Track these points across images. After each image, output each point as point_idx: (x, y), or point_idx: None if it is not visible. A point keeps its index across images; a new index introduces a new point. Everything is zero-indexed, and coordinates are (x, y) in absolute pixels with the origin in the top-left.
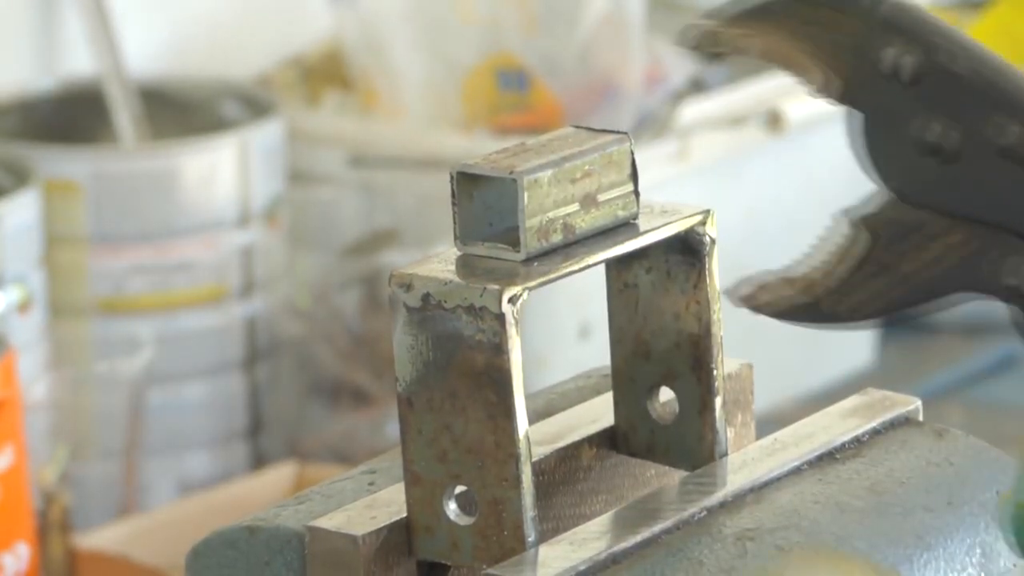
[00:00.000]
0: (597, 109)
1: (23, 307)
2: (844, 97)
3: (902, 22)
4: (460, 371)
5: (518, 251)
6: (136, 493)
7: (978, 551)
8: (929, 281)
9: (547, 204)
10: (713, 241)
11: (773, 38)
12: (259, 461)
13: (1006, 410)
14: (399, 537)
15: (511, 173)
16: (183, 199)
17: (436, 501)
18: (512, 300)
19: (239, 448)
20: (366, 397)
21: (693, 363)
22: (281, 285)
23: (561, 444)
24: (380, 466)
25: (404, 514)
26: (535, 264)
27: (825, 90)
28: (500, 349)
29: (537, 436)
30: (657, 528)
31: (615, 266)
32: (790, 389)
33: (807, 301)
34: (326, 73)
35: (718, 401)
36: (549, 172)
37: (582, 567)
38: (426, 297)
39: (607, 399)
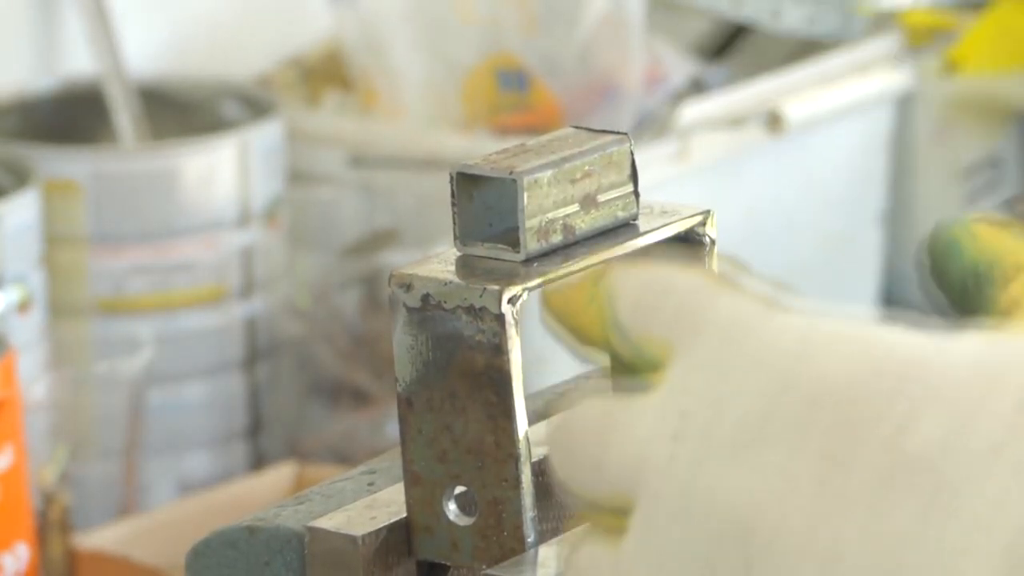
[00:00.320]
0: (597, 109)
1: (23, 307)
2: None
3: None
4: (460, 371)
5: (518, 252)
6: (136, 493)
7: None
8: None
9: (547, 204)
10: (713, 241)
11: None
12: (259, 461)
13: None
14: (399, 537)
15: (511, 173)
16: (183, 199)
17: (436, 501)
18: (512, 300)
19: (239, 448)
20: (366, 397)
21: None
22: (281, 285)
23: None
24: (380, 466)
25: (404, 514)
26: (535, 264)
27: None
28: (500, 349)
29: (537, 436)
30: None
31: None
32: None
33: None
34: (326, 73)
35: None
36: (549, 172)
37: None
38: (426, 297)
39: None
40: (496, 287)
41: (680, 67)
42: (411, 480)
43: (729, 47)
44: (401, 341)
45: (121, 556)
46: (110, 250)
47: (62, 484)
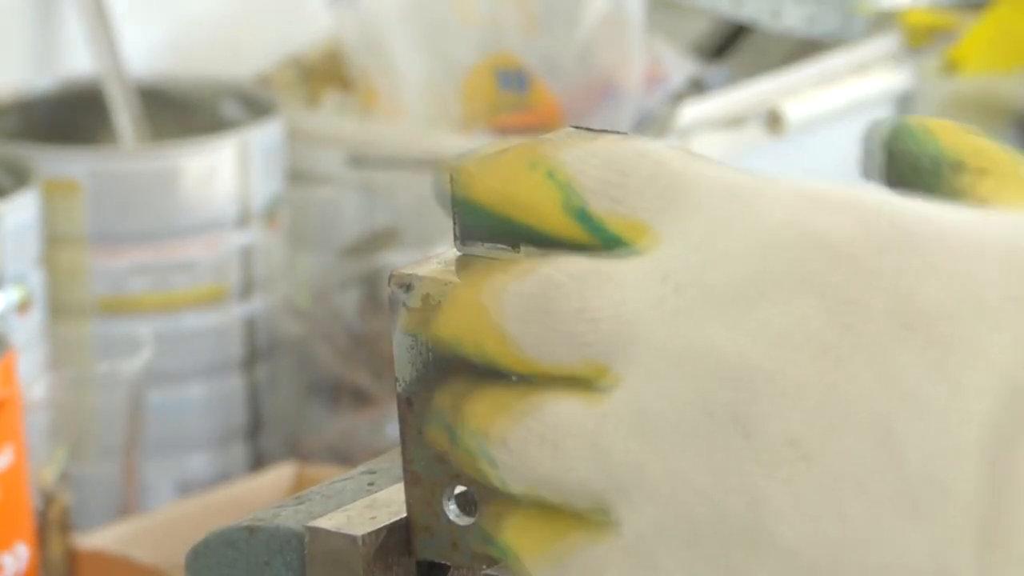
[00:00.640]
0: (597, 109)
1: (23, 307)
2: None
3: None
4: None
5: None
6: (136, 493)
7: None
8: None
9: None
10: None
11: None
12: (259, 461)
13: None
14: (399, 537)
15: None
16: (183, 199)
17: (436, 501)
18: None
19: (238, 448)
20: (366, 397)
21: None
22: (281, 285)
23: None
24: (380, 466)
25: (404, 514)
26: None
27: None
28: None
29: None
30: None
31: None
32: None
33: None
34: (326, 73)
35: None
36: None
37: None
38: (426, 298)
39: None
40: None
41: (680, 67)
42: (411, 480)
43: (729, 47)
44: (401, 341)
45: (121, 556)
46: (110, 250)
47: (62, 484)
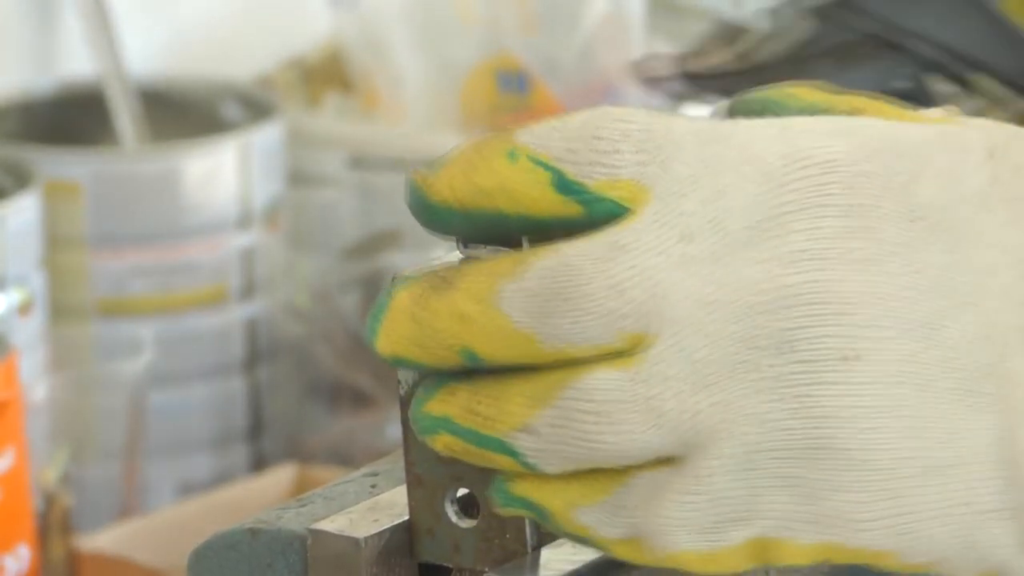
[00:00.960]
0: None
1: (24, 309)
2: None
3: None
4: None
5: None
6: (137, 494)
7: None
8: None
9: None
10: None
11: None
12: (259, 462)
13: None
14: (401, 540)
15: None
16: (184, 200)
17: (438, 503)
18: None
19: (239, 449)
20: (367, 399)
21: None
22: (281, 287)
23: None
24: (382, 468)
25: (406, 516)
26: None
27: None
28: None
29: None
30: None
31: None
32: None
33: (740, 68)
34: (326, 74)
35: None
36: None
37: (584, 570)
38: None
39: None
40: None
41: None
42: (413, 482)
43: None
44: None
45: (122, 557)
46: (111, 251)
47: (63, 485)
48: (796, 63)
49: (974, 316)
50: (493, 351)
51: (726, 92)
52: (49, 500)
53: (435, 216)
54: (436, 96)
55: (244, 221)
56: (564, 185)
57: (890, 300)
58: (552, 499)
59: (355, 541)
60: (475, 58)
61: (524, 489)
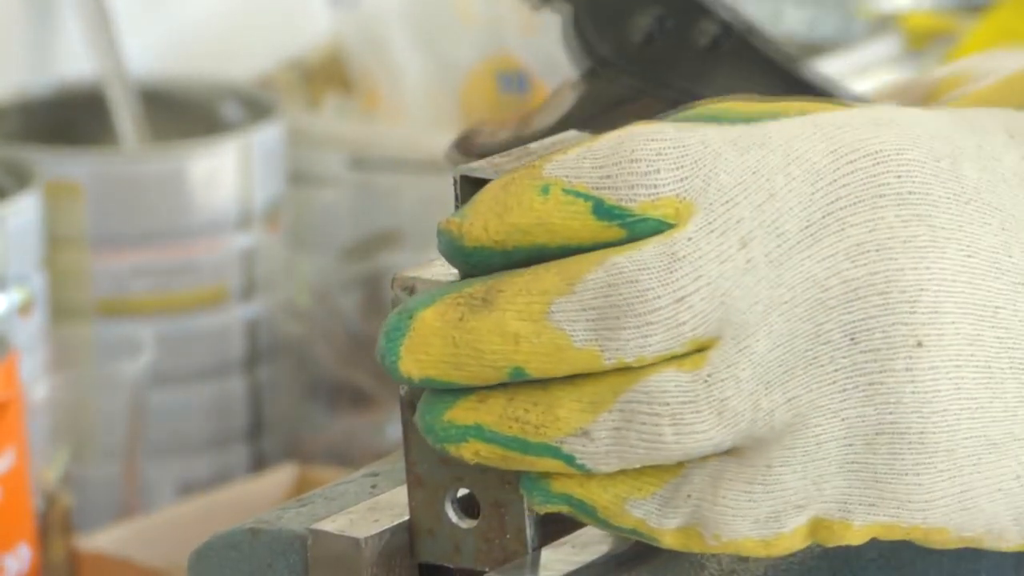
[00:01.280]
0: None
1: (24, 309)
2: None
3: None
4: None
5: None
6: (137, 494)
7: None
8: None
9: None
10: None
11: None
12: (259, 462)
13: None
14: (401, 540)
15: None
16: (184, 200)
17: (438, 504)
18: None
19: (239, 449)
20: (366, 399)
21: None
22: (282, 287)
23: None
24: (383, 469)
25: (406, 517)
26: None
27: None
28: None
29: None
30: None
31: None
32: None
33: (518, 137)
34: (327, 75)
35: None
36: None
37: (584, 571)
38: None
39: None
40: None
41: None
42: (413, 482)
43: None
44: None
45: (122, 557)
46: (111, 251)
47: (63, 485)
48: (568, 127)
49: None
50: (548, 368)
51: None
52: (49, 500)
53: (471, 258)
54: (436, 96)
55: (244, 221)
56: (605, 211)
57: (950, 285)
58: (599, 495)
59: (355, 541)
60: (475, 58)
61: (566, 486)
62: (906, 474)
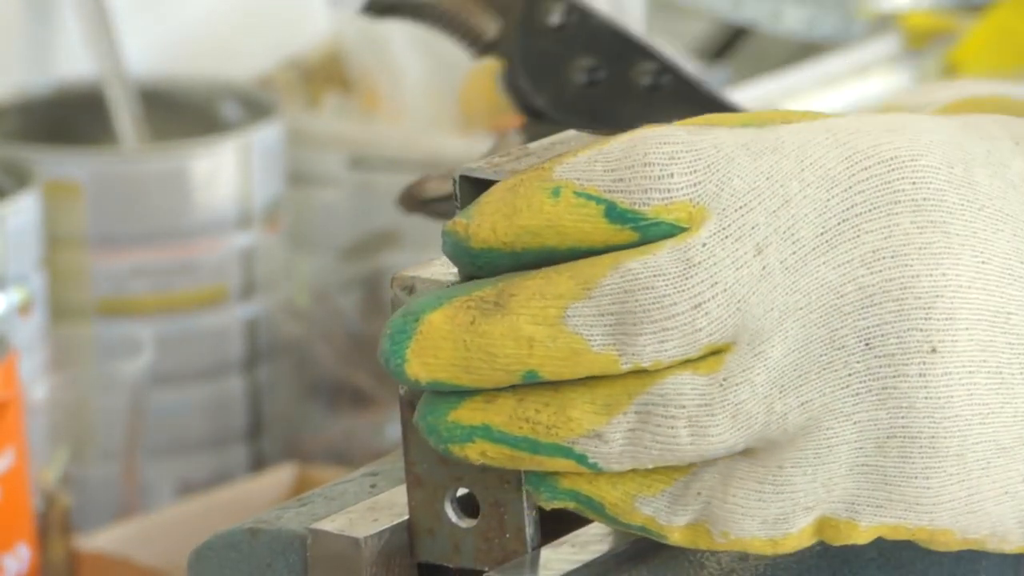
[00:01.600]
0: None
1: (24, 308)
2: (501, 41)
3: None
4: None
5: None
6: (137, 494)
7: None
8: None
9: None
10: None
11: None
12: (259, 462)
13: None
14: (401, 539)
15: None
16: (184, 200)
17: (438, 503)
18: None
19: (239, 449)
20: (366, 399)
21: None
22: (281, 286)
23: None
24: (382, 468)
25: (406, 516)
26: None
27: (482, 36)
28: None
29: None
30: None
31: None
32: None
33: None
34: (326, 74)
35: None
36: None
37: (584, 570)
38: None
39: None
40: None
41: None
42: (413, 482)
43: (729, 49)
44: None
45: (122, 557)
46: (111, 251)
47: (63, 485)
48: None
49: None
50: (563, 371)
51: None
52: (49, 500)
53: (478, 260)
54: (436, 96)
55: (244, 221)
56: (617, 215)
57: (964, 292)
58: (608, 491)
59: (355, 541)
60: (475, 58)
61: (574, 483)
62: (915, 477)
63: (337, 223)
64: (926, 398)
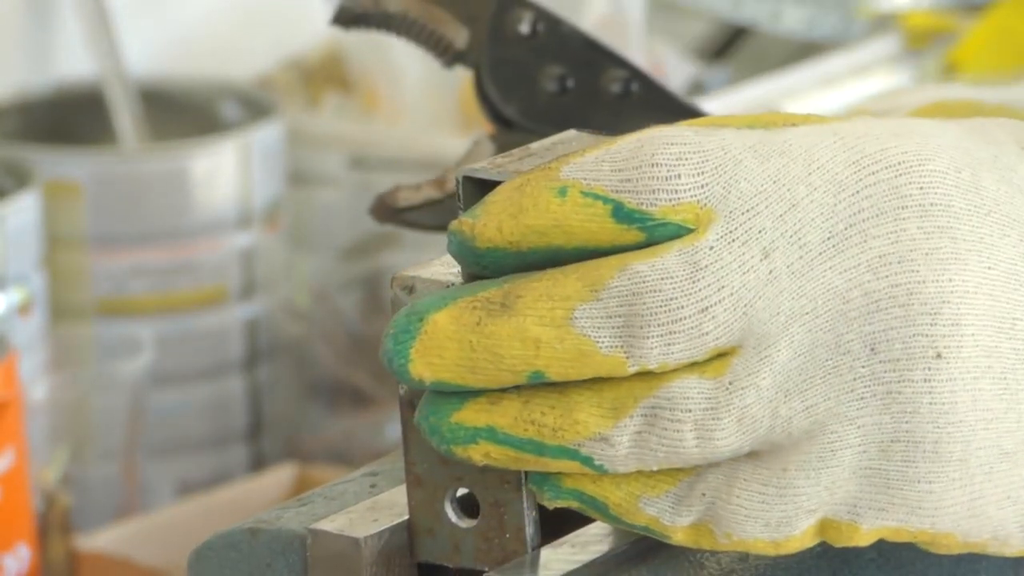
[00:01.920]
0: None
1: (24, 308)
2: (470, 50)
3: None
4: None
5: None
6: (136, 494)
7: None
8: None
9: None
10: None
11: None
12: (259, 462)
13: None
14: (401, 539)
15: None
16: (184, 200)
17: (437, 503)
18: None
19: (239, 449)
20: (366, 399)
21: None
22: (281, 286)
23: None
24: (382, 468)
25: (406, 516)
26: None
27: (452, 45)
28: None
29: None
30: None
31: None
32: None
33: (437, 196)
34: (326, 75)
35: None
36: None
37: (584, 570)
38: None
39: None
40: None
41: (680, 68)
42: (413, 482)
43: (729, 48)
44: None
45: (122, 557)
46: (111, 251)
47: (63, 485)
48: None
49: None
50: (570, 372)
51: (431, 222)
52: (49, 500)
53: (483, 259)
54: (436, 96)
55: (244, 221)
56: (625, 215)
57: (970, 297)
58: (612, 492)
59: (355, 541)
60: None
61: (578, 483)
62: (918, 481)
63: (337, 223)
64: (930, 403)
